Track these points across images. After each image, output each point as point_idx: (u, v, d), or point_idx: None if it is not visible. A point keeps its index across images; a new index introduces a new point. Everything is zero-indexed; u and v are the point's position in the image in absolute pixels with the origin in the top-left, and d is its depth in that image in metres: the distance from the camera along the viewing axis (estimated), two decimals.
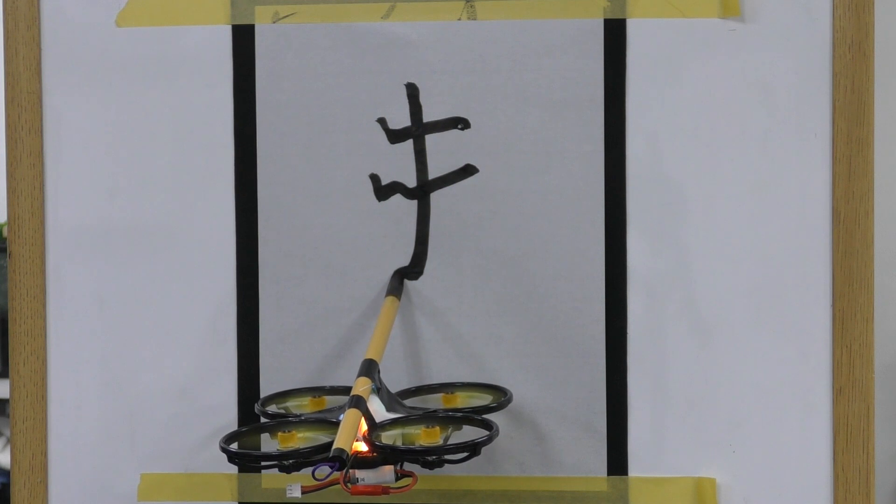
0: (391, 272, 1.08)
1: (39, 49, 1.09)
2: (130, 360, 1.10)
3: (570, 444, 1.07)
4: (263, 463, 0.97)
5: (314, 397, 1.06)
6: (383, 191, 1.08)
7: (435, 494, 1.08)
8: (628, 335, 1.07)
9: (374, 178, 1.08)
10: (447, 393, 1.05)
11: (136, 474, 1.10)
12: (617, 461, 1.07)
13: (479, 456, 0.95)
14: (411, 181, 1.08)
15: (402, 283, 1.07)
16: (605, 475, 1.07)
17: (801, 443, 1.06)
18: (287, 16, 1.08)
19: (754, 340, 1.06)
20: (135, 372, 1.10)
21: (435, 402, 1.05)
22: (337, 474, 0.90)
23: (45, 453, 1.10)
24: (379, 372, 1.00)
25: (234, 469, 1.09)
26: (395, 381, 1.07)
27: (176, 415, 1.09)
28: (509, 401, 1.04)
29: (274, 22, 1.08)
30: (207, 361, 1.09)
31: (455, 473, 1.08)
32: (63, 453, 1.10)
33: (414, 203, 1.08)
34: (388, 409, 0.99)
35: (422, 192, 1.08)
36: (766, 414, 1.06)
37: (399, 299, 1.06)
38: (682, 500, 1.07)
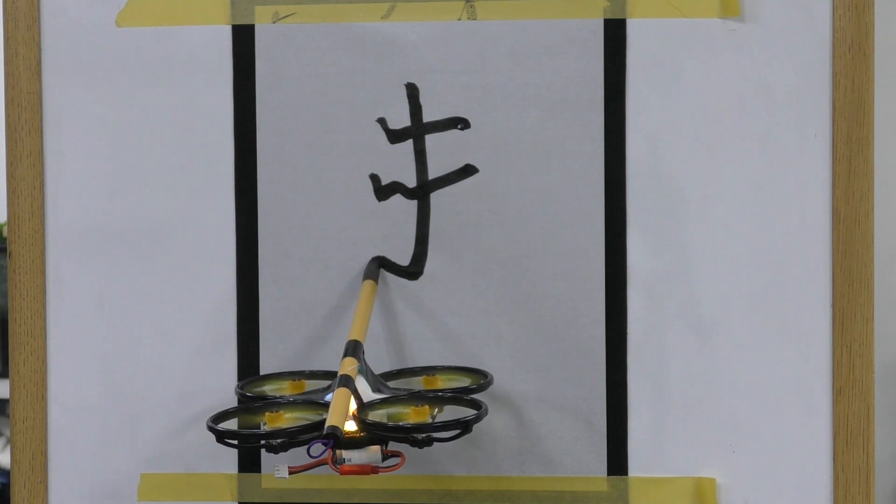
0: (390, 272, 1.08)
1: (39, 49, 1.09)
2: (130, 359, 1.10)
3: (570, 444, 1.07)
4: (254, 443, 0.97)
5: (293, 381, 1.05)
6: (383, 191, 1.08)
7: (435, 494, 1.08)
8: (628, 335, 1.07)
9: (374, 178, 1.08)
10: (428, 375, 1.05)
11: (137, 474, 1.10)
12: (617, 461, 1.07)
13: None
14: (411, 181, 1.08)
15: (379, 269, 1.07)
16: (605, 475, 1.07)
17: (801, 443, 1.06)
18: (287, 16, 1.08)
19: (754, 340, 1.06)
20: (135, 372, 1.10)
21: (416, 384, 1.05)
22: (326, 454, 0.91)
23: (45, 453, 1.10)
24: (363, 353, 1.00)
25: (234, 469, 1.09)
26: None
27: (176, 415, 1.09)
28: (489, 383, 1.04)
29: (274, 22, 1.08)
30: (207, 361, 1.09)
31: (455, 473, 1.08)
32: (63, 453, 1.10)
33: (414, 203, 1.08)
34: (374, 391, 0.99)
35: (422, 192, 1.08)
36: (766, 414, 1.06)
37: (377, 283, 1.06)
38: (682, 500, 1.07)
